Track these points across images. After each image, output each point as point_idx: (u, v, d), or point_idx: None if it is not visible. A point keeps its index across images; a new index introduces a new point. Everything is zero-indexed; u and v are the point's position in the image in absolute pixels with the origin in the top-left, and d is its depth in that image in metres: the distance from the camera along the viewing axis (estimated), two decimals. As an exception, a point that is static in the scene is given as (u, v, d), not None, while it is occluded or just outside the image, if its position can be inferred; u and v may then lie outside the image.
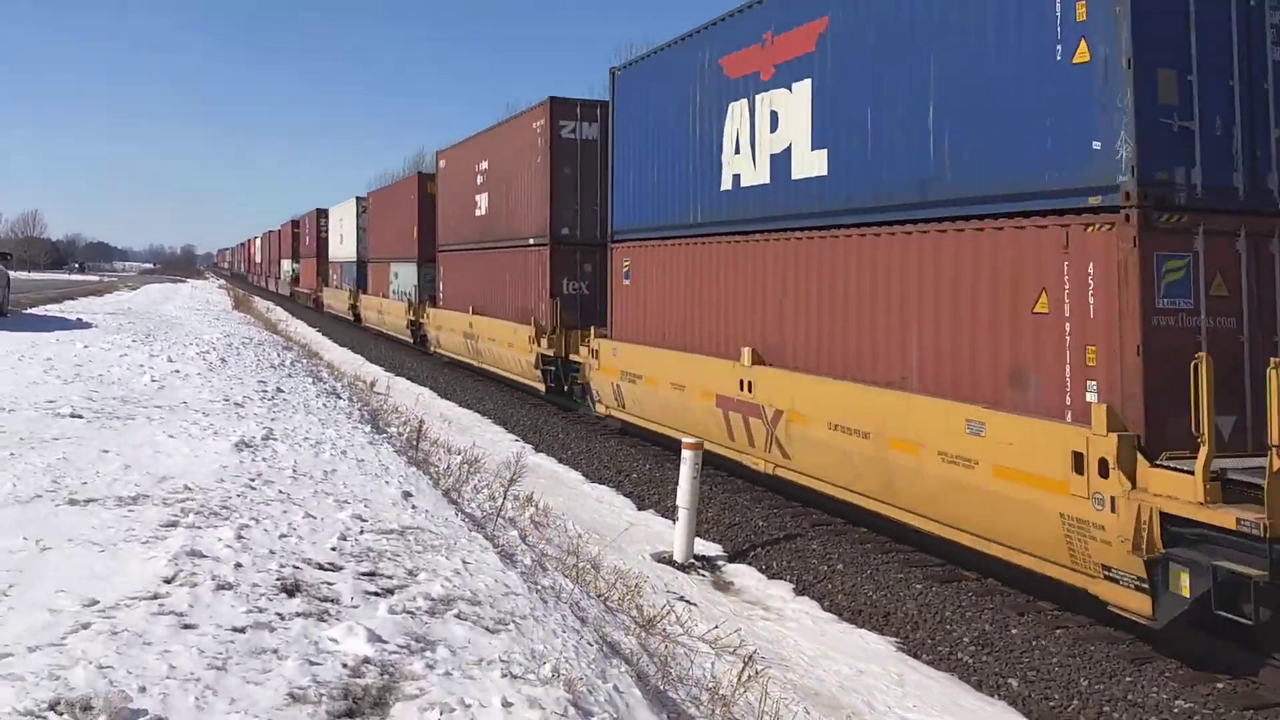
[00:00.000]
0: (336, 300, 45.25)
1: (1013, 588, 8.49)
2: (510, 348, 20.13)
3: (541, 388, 19.25)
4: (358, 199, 42.24)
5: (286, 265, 67.91)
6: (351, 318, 41.52)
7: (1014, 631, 7.69)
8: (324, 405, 12.89)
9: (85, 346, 17.02)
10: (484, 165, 22.88)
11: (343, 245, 44.75)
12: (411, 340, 30.67)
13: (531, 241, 19.26)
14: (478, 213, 23.33)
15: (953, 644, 7.71)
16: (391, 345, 32.71)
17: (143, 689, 3.88)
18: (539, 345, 18.55)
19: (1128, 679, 6.84)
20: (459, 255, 25.30)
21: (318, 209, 54.38)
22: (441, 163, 27.44)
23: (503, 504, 9.87)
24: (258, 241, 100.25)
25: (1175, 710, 6.42)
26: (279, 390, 13.64)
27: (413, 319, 29.94)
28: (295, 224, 63.35)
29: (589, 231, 18.09)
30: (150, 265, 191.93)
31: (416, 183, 31.80)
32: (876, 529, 10.19)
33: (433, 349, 27.74)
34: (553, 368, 18.57)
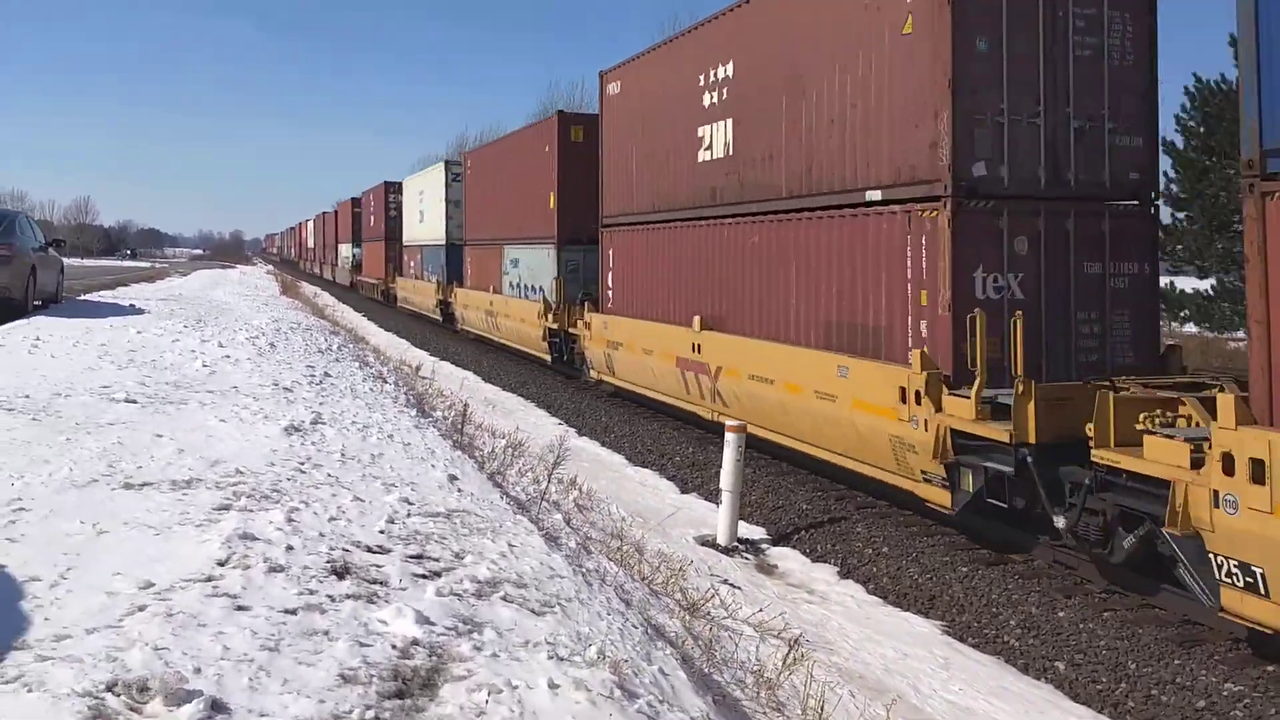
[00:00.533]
0: (417, 294, 35.51)
1: (1059, 569, 8.41)
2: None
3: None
4: (447, 163, 32.69)
5: (346, 250, 59.18)
6: (439, 317, 32.05)
7: (1061, 614, 7.63)
8: (370, 390, 13.03)
9: (138, 332, 17.32)
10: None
11: (424, 224, 35.18)
12: (549, 358, 21.74)
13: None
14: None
15: (999, 627, 7.67)
16: (432, 328, 32.74)
17: (198, 670, 3.96)
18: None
19: (1176, 662, 6.76)
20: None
21: (385, 182, 46.49)
22: (614, 87, 17.86)
23: (547, 487, 9.94)
24: (310, 225, 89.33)
25: (1224, 694, 6.34)
26: (326, 375, 13.80)
27: (552, 325, 20.67)
28: (356, 202, 55.72)
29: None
30: (200, 251, 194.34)
31: (556, 128, 20.60)
32: (921, 512, 10.13)
33: (595, 375, 18.93)
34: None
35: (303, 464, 7.84)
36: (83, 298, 26.75)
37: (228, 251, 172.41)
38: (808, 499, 11.03)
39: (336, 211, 63.45)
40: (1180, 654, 6.85)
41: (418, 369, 20.10)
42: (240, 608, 4.66)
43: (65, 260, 26.37)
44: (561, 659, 4.61)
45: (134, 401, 10.12)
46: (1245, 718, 6.09)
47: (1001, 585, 8.24)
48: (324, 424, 9.73)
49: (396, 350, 25.11)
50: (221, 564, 5.19)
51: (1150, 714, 6.36)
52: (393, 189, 44.68)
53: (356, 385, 13.26)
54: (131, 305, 24.54)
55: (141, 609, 4.51)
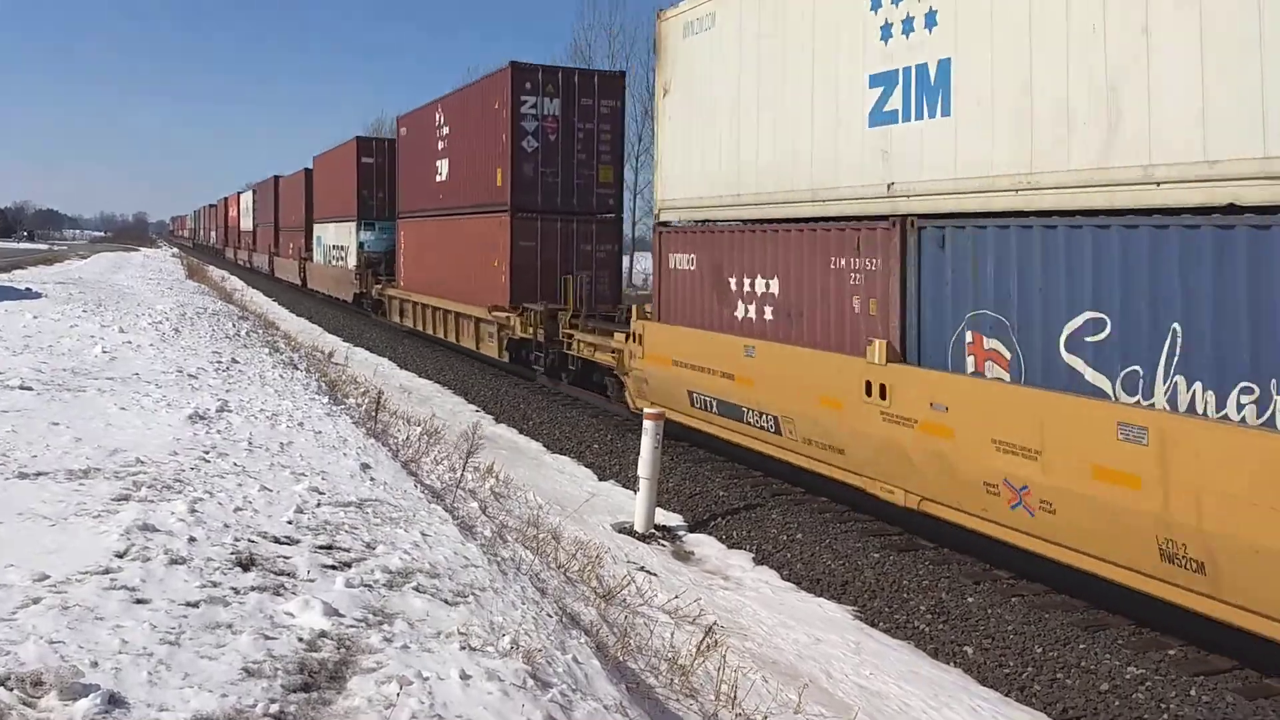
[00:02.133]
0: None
1: (968, 556, 8.59)
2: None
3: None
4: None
5: (336, 235, 33.55)
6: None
7: (970, 600, 7.79)
8: (280, 376, 12.74)
9: (34, 317, 16.70)
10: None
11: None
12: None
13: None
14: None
15: (909, 612, 7.80)
16: (345, 314, 32.21)
17: (94, 664, 3.82)
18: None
19: (1081, 646, 6.95)
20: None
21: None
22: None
23: (462, 475, 9.83)
24: (246, 199, 61.58)
25: (1127, 676, 6.53)
26: (234, 361, 13.46)
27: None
28: (368, 145, 31.14)
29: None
30: (101, 233, 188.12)
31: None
32: (835, 498, 10.26)
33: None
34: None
35: (207, 453, 7.62)
36: (-25, 280, 25.66)
37: (131, 234, 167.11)
38: (724, 486, 11.10)
39: (314, 170, 38.66)
40: (1085, 638, 7.05)
41: (330, 355, 19.73)
42: (140, 600, 4.51)
43: (-44, 241, 25.26)
44: (474, 649, 4.55)
45: (29, 389, 9.73)
46: (1147, 700, 6.29)
47: (913, 571, 8.39)
48: (231, 412, 9.48)
49: (308, 336, 24.60)
50: (120, 556, 5.02)
51: (1055, 697, 6.53)
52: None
53: (265, 372, 12.96)
54: (28, 289, 23.66)
55: (36, 602, 4.34)
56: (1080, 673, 6.69)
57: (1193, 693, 6.25)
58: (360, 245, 30.41)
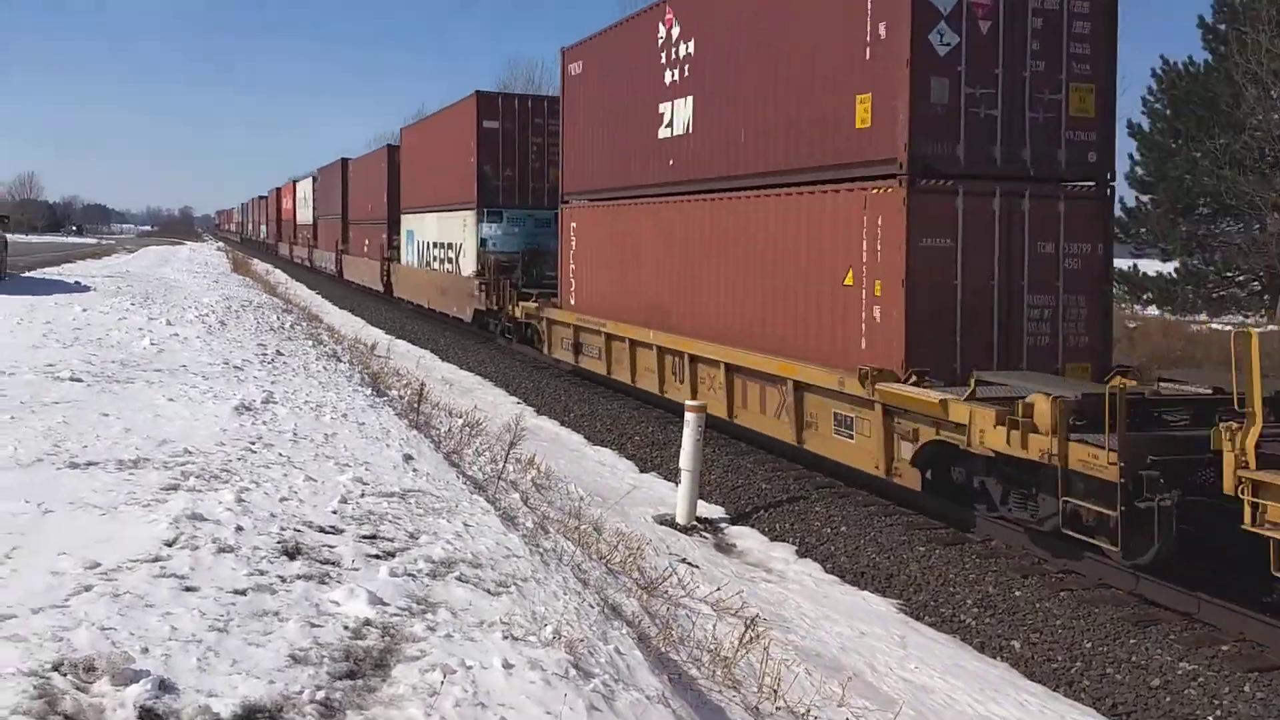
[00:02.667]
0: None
1: (1015, 549, 8.48)
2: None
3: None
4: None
5: (440, 229, 25.85)
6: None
7: (1017, 594, 7.69)
8: (324, 368, 12.86)
9: (84, 310, 16.97)
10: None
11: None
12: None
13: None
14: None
15: (955, 606, 7.72)
16: (389, 307, 32.41)
17: (145, 650, 3.87)
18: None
19: (1131, 641, 6.84)
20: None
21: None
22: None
23: (504, 467, 9.85)
24: (304, 187, 52.95)
25: (1179, 672, 6.42)
26: (279, 353, 13.60)
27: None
28: (492, 103, 22.58)
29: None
30: (148, 227, 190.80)
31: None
32: (880, 492, 10.17)
33: None
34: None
35: (253, 443, 7.70)
36: (27, 275, 26.18)
37: (177, 228, 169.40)
38: (767, 479, 11.04)
39: (396, 147, 31.35)
40: (1135, 633, 6.93)
41: (373, 347, 19.88)
42: (188, 588, 4.56)
43: (9, 237, 25.78)
44: (516, 639, 4.56)
45: (80, 380, 9.89)
46: (1200, 696, 6.17)
47: (959, 564, 8.29)
48: (276, 403, 9.57)
49: (351, 328, 24.82)
50: (169, 544, 5.08)
51: (1105, 692, 6.43)
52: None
53: (310, 364, 13.08)
54: (77, 283, 24.06)
55: (88, 589, 4.40)
56: (1130, 668, 6.58)
57: (1247, 689, 6.13)
58: (482, 243, 21.93)
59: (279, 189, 68.73)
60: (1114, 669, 6.62)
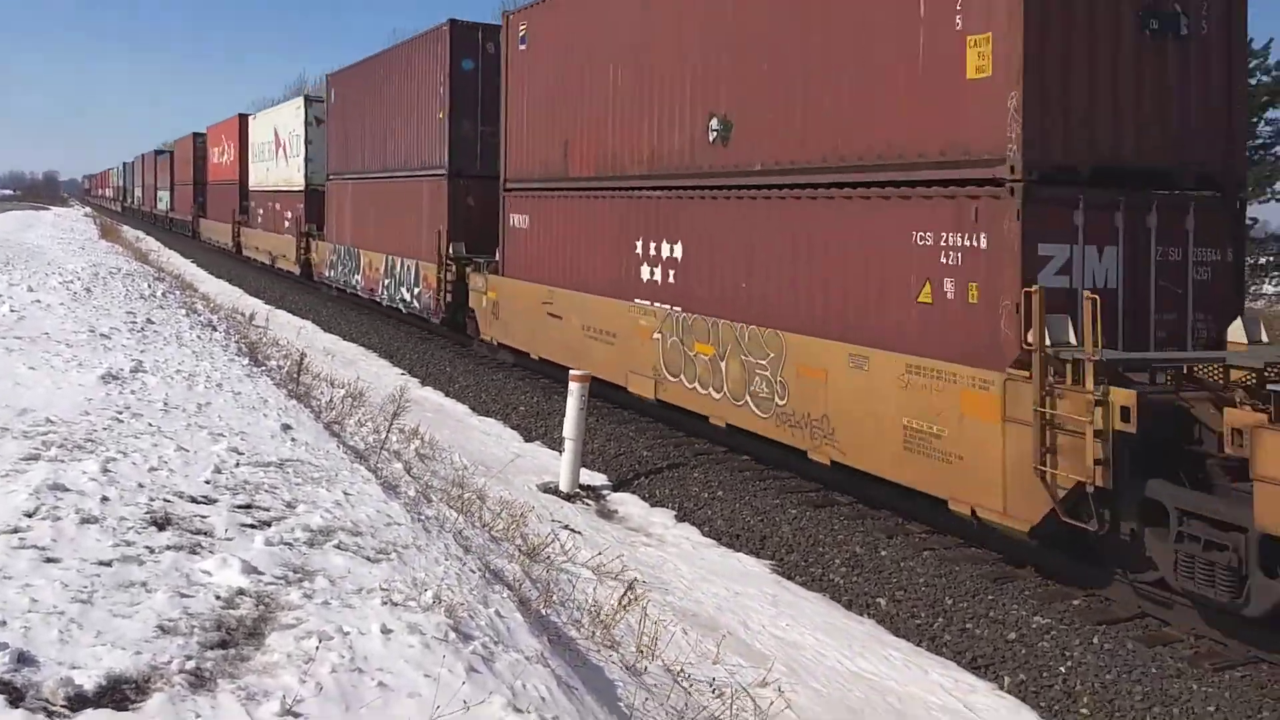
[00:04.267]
0: None
1: (883, 511, 8.81)
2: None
3: None
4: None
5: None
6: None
7: (883, 554, 8.01)
8: (198, 338, 12.50)
9: (-63, 276, 16.10)
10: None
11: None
12: None
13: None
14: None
15: (825, 566, 7.99)
16: (268, 275, 31.52)
17: (3, 623, 3.78)
18: None
19: (989, 597, 7.20)
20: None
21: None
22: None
23: (386, 437, 9.77)
24: (263, 125, 33.15)
25: (1033, 626, 6.79)
26: (149, 322, 13.16)
27: None
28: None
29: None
30: (9, 191, 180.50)
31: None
32: (757, 457, 10.42)
33: None
34: None
35: (121, 413, 7.48)
36: (-127, 238, 24.62)
37: (40, 193, 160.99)
38: (648, 446, 11.20)
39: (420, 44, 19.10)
40: (994, 590, 7.30)
41: (251, 317, 19.36)
42: (50, 560, 4.45)
43: None
44: (396, 605, 4.58)
45: (-68, 348, 9.43)
46: (1052, 648, 6.54)
47: (828, 526, 8.58)
48: (145, 372, 9.30)
49: (229, 298, 24.09)
50: (29, 515, 4.93)
51: (965, 646, 6.76)
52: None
53: (182, 333, 12.70)
54: (-70, 247, 22.75)
55: (-60, 563, 4.25)
56: (989, 623, 6.94)
57: (1095, 641, 6.53)
58: None
59: (202, 134, 45.55)
60: (973, 624, 6.96)
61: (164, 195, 60.11)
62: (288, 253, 28.90)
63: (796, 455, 9.19)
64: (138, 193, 77.23)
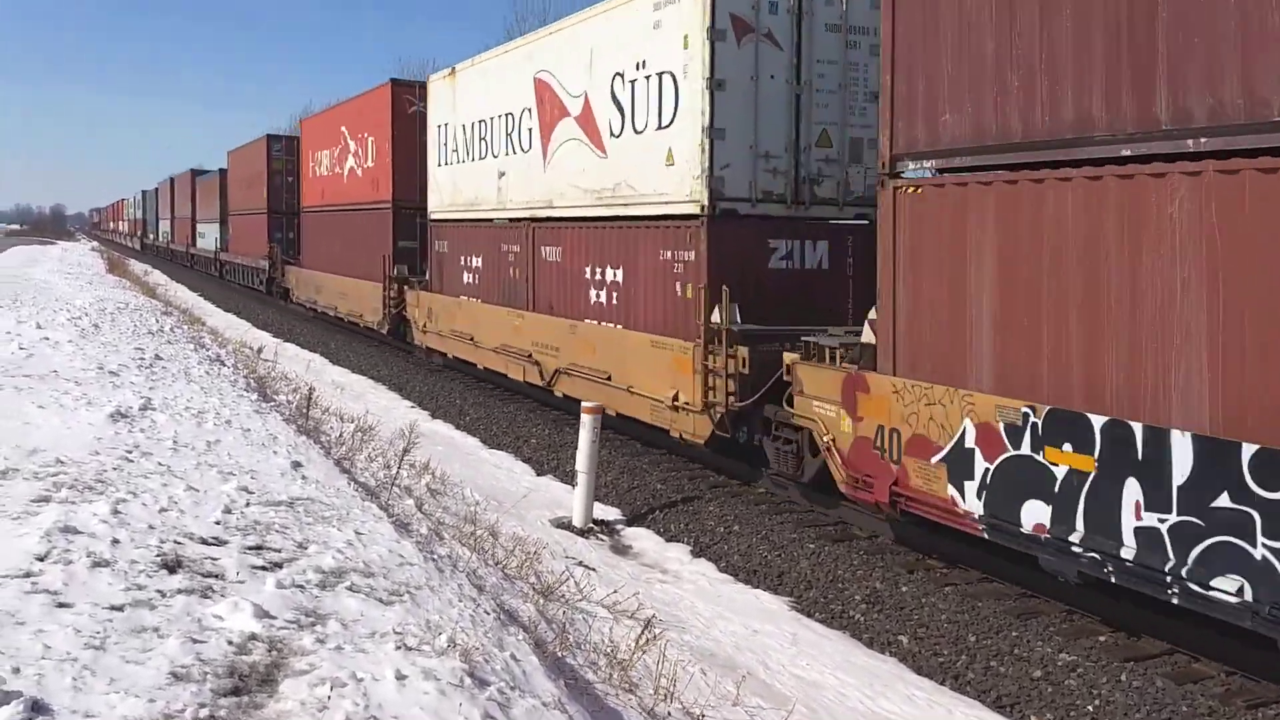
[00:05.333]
0: None
1: (902, 546, 8.70)
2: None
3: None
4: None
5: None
6: None
7: (904, 589, 7.89)
8: (207, 373, 12.46)
9: (-54, 313, 16.11)
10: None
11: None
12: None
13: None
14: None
15: (845, 602, 7.87)
16: (276, 309, 31.61)
17: (16, 670, 3.71)
18: None
19: (1014, 633, 7.07)
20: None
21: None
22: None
23: (397, 472, 9.69)
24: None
25: (1059, 663, 6.66)
26: (158, 358, 13.12)
27: None
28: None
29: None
30: (16, 226, 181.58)
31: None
32: (771, 491, 10.32)
33: None
34: None
35: (130, 452, 7.41)
36: (-117, 275, 24.71)
37: (48, 227, 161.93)
38: (662, 479, 11.10)
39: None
40: (1018, 625, 7.17)
41: (259, 351, 19.33)
42: (62, 604, 4.37)
43: None
44: (410, 649, 4.48)
45: (-59, 386, 9.39)
46: (1079, 686, 6.41)
47: (847, 561, 8.46)
48: (155, 410, 9.24)
49: (236, 332, 24.09)
50: (41, 559, 4.85)
51: (990, 684, 6.63)
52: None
53: (191, 369, 12.66)
54: (-61, 283, 22.81)
55: (-50, 609, 4.18)
56: (1013, 660, 6.81)
57: (1123, 678, 6.39)
58: None
59: (281, 137, 34.52)
60: (998, 661, 6.83)
61: (208, 230, 45.82)
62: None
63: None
64: (164, 227, 63.78)
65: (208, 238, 46.04)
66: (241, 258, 37.27)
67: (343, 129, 23.97)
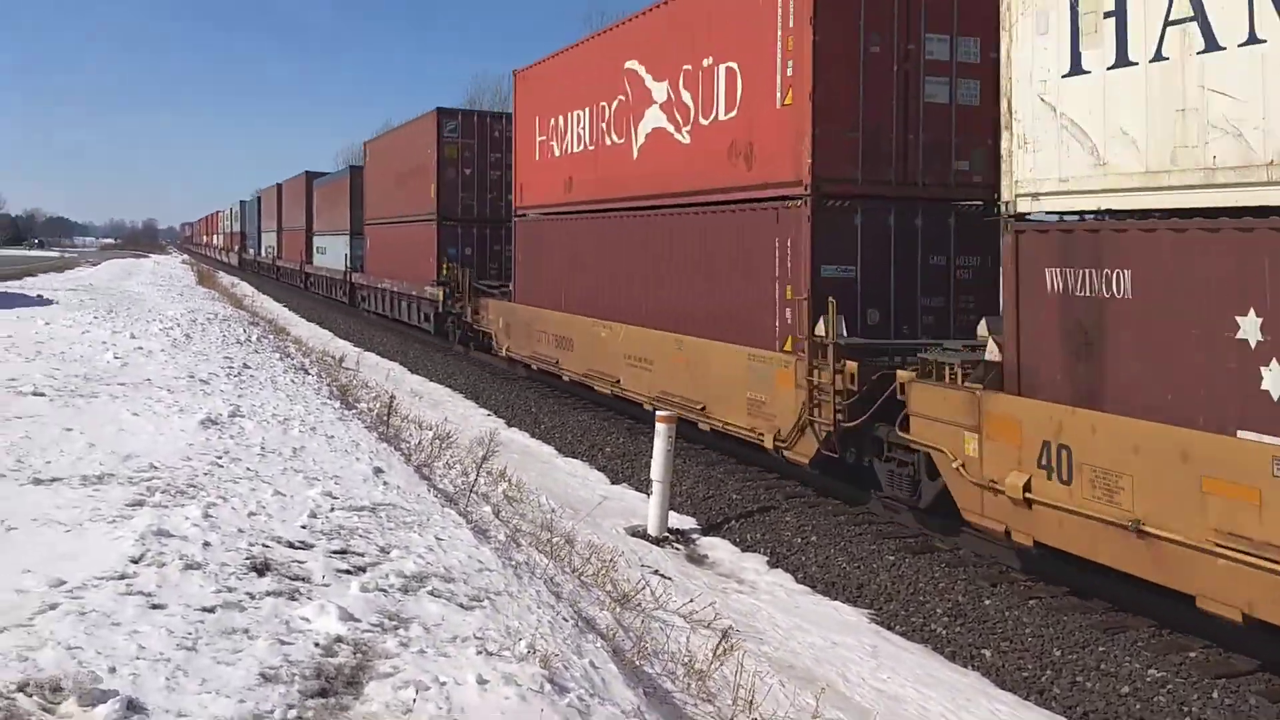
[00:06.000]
0: None
1: (984, 557, 8.53)
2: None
3: None
4: None
5: None
6: None
7: (987, 602, 7.74)
8: (292, 381, 12.75)
9: (46, 323, 16.75)
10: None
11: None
12: None
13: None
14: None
15: (926, 615, 7.75)
16: (359, 321, 32.23)
17: (112, 669, 3.81)
18: None
19: (1100, 649, 6.89)
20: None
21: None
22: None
23: (475, 479, 9.80)
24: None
25: (1148, 679, 6.47)
26: (245, 366, 13.47)
27: None
28: None
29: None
30: (110, 240, 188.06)
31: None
32: (850, 501, 10.20)
33: None
34: None
35: (220, 458, 7.62)
36: (-12, 287, 25.77)
37: (140, 241, 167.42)
38: (738, 489, 11.05)
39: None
40: (1105, 640, 6.98)
41: (341, 360, 19.74)
42: (156, 606, 4.50)
43: (-31, 248, 25.37)
44: (491, 654, 4.52)
45: (42, 394, 9.75)
46: (1169, 703, 6.22)
47: (928, 573, 8.33)
48: (243, 417, 9.48)
49: (319, 341, 24.63)
50: (135, 561, 5.01)
51: (1075, 700, 6.47)
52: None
53: (277, 377, 12.97)
54: (39, 296, 23.74)
55: (53, 607, 4.33)
56: (1100, 675, 6.63)
57: (1215, 695, 6.19)
58: None
59: (474, 111, 25.80)
60: (1084, 677, 6.66)
61: (331, 245, 37.06)
62: None
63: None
64: (267, 241, 55.67)
65: (331, 254, 37.13)
66: (390, 282, 27.73)
67: (634, 67, 13.98)
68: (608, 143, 14.91)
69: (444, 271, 22.24)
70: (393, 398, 13.75)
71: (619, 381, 14.02)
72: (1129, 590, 7.14)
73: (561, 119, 16.66)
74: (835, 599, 8.19)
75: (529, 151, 18.20)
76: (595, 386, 14.88)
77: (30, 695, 3.54)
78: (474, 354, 21.97)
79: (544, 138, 17.47)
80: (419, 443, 11.58)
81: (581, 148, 15.92)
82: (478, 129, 23.42)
